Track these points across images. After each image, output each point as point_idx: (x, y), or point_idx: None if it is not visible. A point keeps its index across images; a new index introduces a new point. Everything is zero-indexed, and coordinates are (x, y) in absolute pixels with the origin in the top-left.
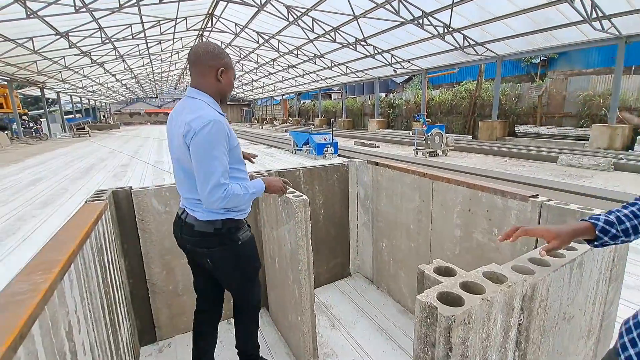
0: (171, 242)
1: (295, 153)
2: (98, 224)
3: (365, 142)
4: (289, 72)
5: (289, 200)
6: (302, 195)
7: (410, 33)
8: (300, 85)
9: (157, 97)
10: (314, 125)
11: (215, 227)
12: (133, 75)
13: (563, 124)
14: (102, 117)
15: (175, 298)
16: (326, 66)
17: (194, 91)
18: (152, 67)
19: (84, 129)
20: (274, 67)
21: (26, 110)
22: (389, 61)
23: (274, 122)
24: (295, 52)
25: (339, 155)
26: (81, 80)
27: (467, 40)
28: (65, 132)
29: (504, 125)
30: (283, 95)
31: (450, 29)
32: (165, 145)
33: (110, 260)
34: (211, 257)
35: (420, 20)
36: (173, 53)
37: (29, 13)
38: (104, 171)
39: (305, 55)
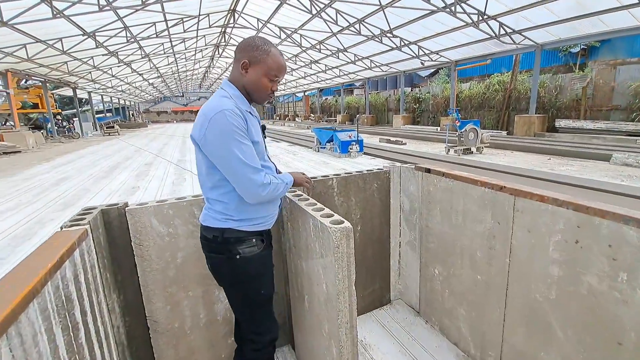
0: (177, 270)
1: (318, 151)
2: (72, 258)
3: (391, 139)
4: (311, 68)
5: (325, 227)
6: (342, 222)
7: (441, 22)
8: (322, 81)
9: (183, 96)
10: (336, 121)
11: (213, 234)
12: (159, 74)
13: (611, 117)
14: (131, 116)
15: (183, 337)
16: (349, 60)
17: (225, 83)
18: (177, 65)
19: (113, 127)
20: (296, 63)
21: (60, 110)
22: (416, 53)
23: (296, 119)
24: (318, 46)
25: (365, 154)
26: (110, 80)
27: (503, 28)
28: (96, 130)
29: (542, 120)
30: (305, 91)
31: (485, 17)
32: (188, 143)
33: (94, 300)
34: (210, 262)
35: (453, 8)
36: (197, 51)
37: (55, 13)
38: (127, 170)
39: (328, 49)
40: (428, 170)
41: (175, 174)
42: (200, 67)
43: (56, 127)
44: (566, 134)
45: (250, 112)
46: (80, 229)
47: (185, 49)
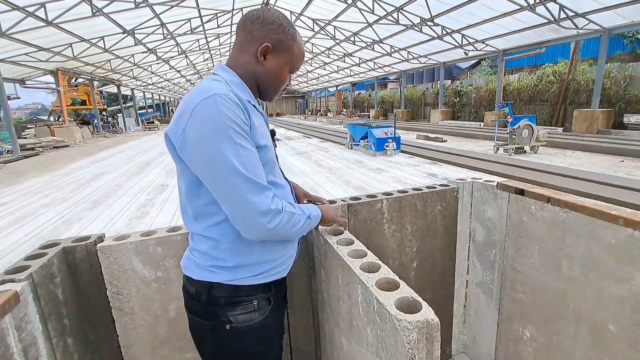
0: (169, 327)
1: (351, 148)
2: None
3: (430, 135)
4: (344, 61)
5: (386, 312)
6: (418, 306)
7: (489, 7)
8: (355, 74)
9: None
10: (369, 116)
11: (196, 288)
12: (196, 71)
13: None
14: (170, 112)
15: None
16: (385, 52)
17: (219, 67)
18: (212, 62)
19: (153, 122)
20: (329, 57)
21: (105, 106)
22: (459, 43)
23: (328, 114)
24: (352, 38)
25: (401, 151)
26: (150, 77)
27: (563, 10)
28: (138, 125)
29: (608, 115)
30: (337, 86)
31: None
32: None
33: None
34: (190, 326)
35: None
36: (230, 47)
37: (94, 11)
38: (160, 166)
39: (362, 41)
40: (521, 192)
41: None
42: None
43: (102, 123)
44: (637, 131)
45: (254, 106)
46: (7, 292)
47: (220, 45)
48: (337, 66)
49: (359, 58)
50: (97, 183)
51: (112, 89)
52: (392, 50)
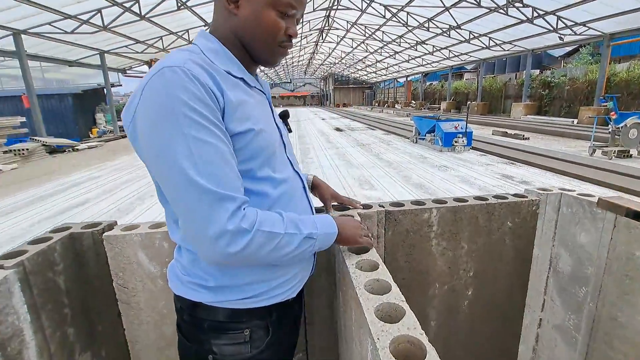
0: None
1: (416, 142)
2: None
3: (509, 131)
4: (416, 50)
5: None
6: None
7: None
8: (428, 64)
9: (290, 82)
10: (439, 109)
11: (180, 304)
12: None
13: None
14: None
15: None
16: (462, 39)
17: (199, 34)
18: None
19: None
20: (400, 45)
21: None
22: (553, 26)
23: (395, 106)
24: (426, 25)
25: (472, 148)
26: None
27: None
28: None
29: None
30: (407, 76)
31: None
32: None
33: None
34: (178, 341)
35: None
36: (302, 37)
37: (179, 5)
38: None
39: (437, 27)
40: (637, 215)
41: None
42: (305, 54)
43: None
44: None
45: (240, 78)
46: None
47: None
48: (408, 55)
49: (433, 46)
50: None
51: None
52: (471, 36)
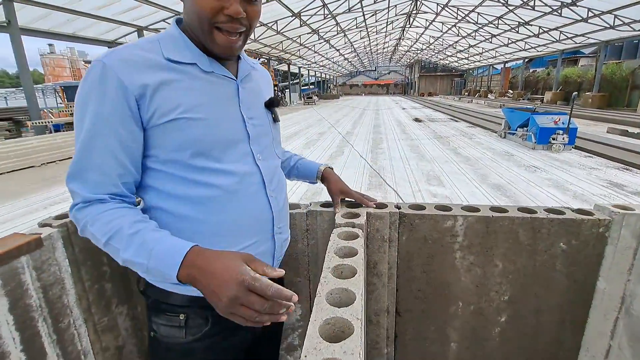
0: None
1: (504, 137)
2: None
3: (630, 129)
4: (517, 32)
5: None
6: None
7: None
8: (531, 48)
9: (375, 70)
10: (542, 101)
11: (139, 286)
12: (353, 49)
13: None
14: (327, 88)
15: None
16: (579, 18)
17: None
18: (369, 39)
19: (312, 98)
20: (497, 27)
21: (276, 82)
22: None
23: (488, 96)
24: (531, 3)
25: (575, 148)
26: (314, 56)
27: None
28: (300, 100)
29: None
30: (505, 62)
31: None
32: (363, 115)
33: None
34: None
35: None
36: (387, 23)
37: None
38: (302, 138)
39: (546, 5)
40: None
41: (337, 146)
42: (390, 40)
43: None
44: None
45: (187, 64)
46: (29, 236)
47: (376, 21)
48: (508, 38)
49: (539, 27)
50: None
51: (284, 67)
52: (590, 14)
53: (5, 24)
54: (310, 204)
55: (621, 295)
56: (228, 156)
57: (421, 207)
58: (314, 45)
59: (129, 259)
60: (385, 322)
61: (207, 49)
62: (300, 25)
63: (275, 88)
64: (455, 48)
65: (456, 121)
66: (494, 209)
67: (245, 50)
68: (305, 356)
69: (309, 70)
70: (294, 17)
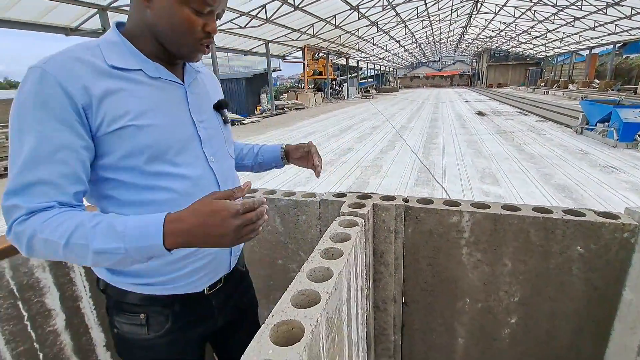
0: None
1: (580, 133)
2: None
3: None
4: (605, 14)
5: None
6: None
7: None
8: (623, 31)
9: (439, 61)
10: (635, 92)
11: (99, 285)
12: (414, 40)
13: None
14: (385, 81)
15: None
16: None
17: (112, 25)
18: (431, 29)
19: (369, 91)
20: (581, 9)
21: (335, 76)
22: None
23: (569, 86)
24: None
25: None
26: (373, 49)
27: None
28: (358, 94)
29: None
30: (591, 48)
31: None
32: (422, 109)
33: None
34: None
35: None
36: (452, 10)
37: None
38: (355, 132)
39: None
40: None
41: (389, 141)
42: (455, 28)
43: (330, 90)
44: None
45: (137, 70)
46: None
47: (439, 9)
48: (595, 21)
49: (631, 8)
50: (305, 140)
51: (342, 61)
52: None
53: None
54: (325, 194)
55: None
56: (182, 159)
57: (429, 201)
58: (373, 37)
59: (101, 247)
60: (392, 310)
61: (161, 54)
62: (359, 18)
63: (333, 82)
64: (529, 34)
65: (525, 115)
66: (506, 207)
67: (305, 47)
68: (272, 315)
69: (367, 63)
70: (352, 10)
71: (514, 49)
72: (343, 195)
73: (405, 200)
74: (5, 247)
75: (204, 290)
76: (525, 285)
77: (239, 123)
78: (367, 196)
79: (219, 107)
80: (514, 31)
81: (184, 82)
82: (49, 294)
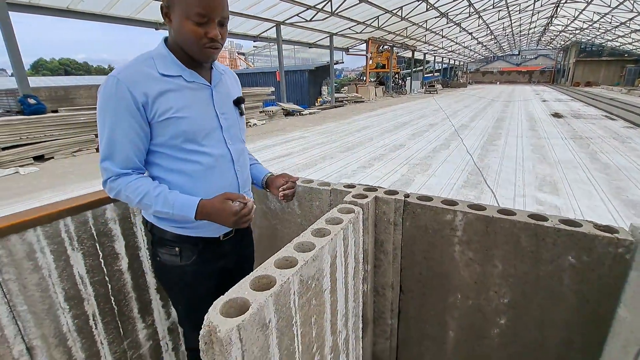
0: None
1: None
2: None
3: None
4: None
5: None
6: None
7: None
8: None
9: (518, 54)
10: None
11: (147, 227)
12: (489, 32)
13: None
14: (453, 76)
15: None
16: None
17: (160, 41)
18: (510, 20)
19: (434, 86)
20: None
21: (398, 70)
22: None
23: None
24: None
25: None
26: (441, 42)
27: None
28: (421, 88)
29: None
30: None
31: None
32: (488, 108)
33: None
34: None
35: None
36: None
37: None
38: (410, 128)
39: None
40: None
41: (445, 139)
42: (538, 19)
43: (392, 84)
44: None
45: (174, 76)
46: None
47: None
48: None
49: None
50: (359, 134)
51: (407, 54)
52: None
53: None
54: (337, 184)
55: None
56: (208, 142)
57: (428, 198)
58: (442, 29)
59: (159, 209)
60: (390, 295)
61: (192, 61)
62: (427, 9)
63: (396, 75)
64: (628, 27)
65: (612, 119)
66: (502, 211)
67: (370, 40)
68: (256, 270)
69: (435, 56)
70: (420, 1)
71: (609, 43)
72: (352, 186)
73: (407, 195)
74: (89, 201)
75: (220, 236)
76: (514, 288)
77: (298, 114)
78: (372, 189)
79: (237, 102)
80: (610, 23)
81: (211, 83)
82: (117, 241)
